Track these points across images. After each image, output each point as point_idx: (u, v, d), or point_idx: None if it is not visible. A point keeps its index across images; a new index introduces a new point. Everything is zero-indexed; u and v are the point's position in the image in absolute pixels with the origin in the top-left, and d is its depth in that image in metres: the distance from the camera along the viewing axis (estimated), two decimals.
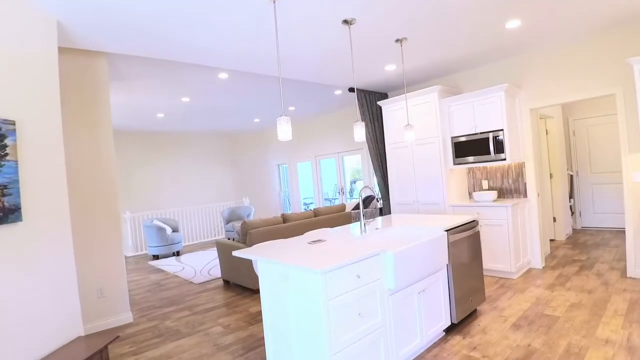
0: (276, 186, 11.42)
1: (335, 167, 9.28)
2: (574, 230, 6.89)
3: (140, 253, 8.44)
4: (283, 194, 11.47)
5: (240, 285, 4.87)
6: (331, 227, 5.33)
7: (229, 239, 8.99)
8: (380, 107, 5.86)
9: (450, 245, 3.02)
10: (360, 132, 3.06)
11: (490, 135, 4.52)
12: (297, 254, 2.38)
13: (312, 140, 9.71)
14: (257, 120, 9.16)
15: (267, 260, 2.34)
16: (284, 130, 2.44)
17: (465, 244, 3.23)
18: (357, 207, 7.25)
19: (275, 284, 2.35)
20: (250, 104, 7.15)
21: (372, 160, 5.72)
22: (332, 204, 10.86)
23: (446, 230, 3.00)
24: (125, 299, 4.07)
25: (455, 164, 4.87)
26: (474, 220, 3.42)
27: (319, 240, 2.80)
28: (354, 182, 10.71)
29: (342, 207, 5.74)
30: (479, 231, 3.44)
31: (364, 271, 2.25)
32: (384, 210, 5.93)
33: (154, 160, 9.60)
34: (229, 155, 11.15)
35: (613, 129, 6.57)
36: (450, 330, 3.17)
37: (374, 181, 8.14)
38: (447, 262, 2.92)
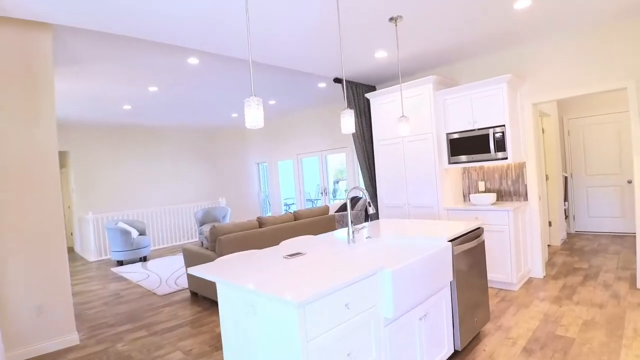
0: (255, 186, 10.82)
1: (319, 166, 8.76)
2: (568, 234, 6.55)
3: (104, 258, 7.72)
4: (263, 194, 10.87)
5: (209, 298, 4.28)
6: (313, 233, 4.80)
7: (202, 243, 8.36)
8: (368, 101, 5.36)
9: (454, 258, 2.54)
10: (348, 122, 2.54)
11: (491, 132, 4.07)
12: (268, 275, 1.84)
13: (294, 138, 9.17)
14: (235, 115, 8.55)
15: (227, 282, 1.79)
16: (254, 115, 1.89)
17: (471, 256, 2.76)
18: (341, 209, 6.74)
19: (239, 314, 1.81)
20: (227, 97, 6.56)
21: (358, 158, 5.22)
22: (314, 205, 10.34)
23: (450, 241, 2.51)
24: (70, 317, 3.44)
25: (450, 162, 4.41)
26: (479, 228, 2.94)
27: (298, 254, 2.27)
28: (337, 182, 10.22)
29: (325, 210, 5.22)
30: (484, 240, 2.97)
31: (354, 298, 1.73)
32: (372, 214, 5.45)
33: (122, 156, 8.85)
34: (205, 152, 10.46)
35: (610, 128, 6.26)
36: (453, 358, 2.68)
37: (359, 181, 7.66)
38: (451, 279, 2.43)
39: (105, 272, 6.45)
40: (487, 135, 4.10)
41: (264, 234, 4.29)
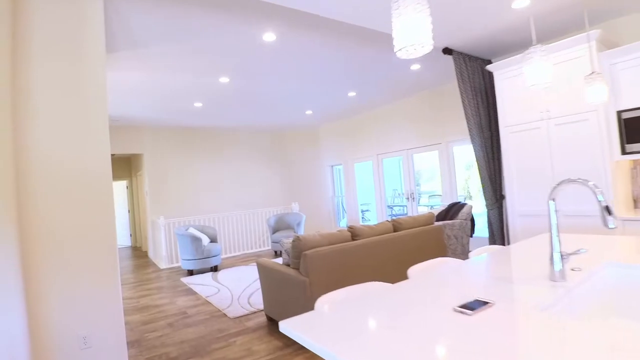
0: (329, 190, 9.95)
1: (402, 167, 7.64)
2: None
3: (175, 265, 7.29)
4: (337, 199, 9.98)
5: None
6: (419, 247, 3.74)
7: (275, 252, 7.65)
8: (486, 78, 4.18)
9: None
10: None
11: None
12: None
13: (374, 135, 8.14)
14: (309, 112, 7.76)
15: None
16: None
17: None
18: (439, 217, 5.57)
19: None
20: (303, 87, 5.74)
21: (475, 153, 4.05)
22: (393, 212, 9.20)
23: None
24: (122, 350, 2.73)
25: (625, 152, 3.10)
26: None
27: (482, 304, 1.24)
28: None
29: (430, 219, 4.12)
30: None
31: None
32: (493, 223, 4.24)
33: (193, 158, 8.46)
34: (276, 154, 9.80)
35: None
36: None
37: (456, 184, 6.42)
38: None
39: (174, 282, 5.92)
40: None
41: (358, 248, 3.32)
